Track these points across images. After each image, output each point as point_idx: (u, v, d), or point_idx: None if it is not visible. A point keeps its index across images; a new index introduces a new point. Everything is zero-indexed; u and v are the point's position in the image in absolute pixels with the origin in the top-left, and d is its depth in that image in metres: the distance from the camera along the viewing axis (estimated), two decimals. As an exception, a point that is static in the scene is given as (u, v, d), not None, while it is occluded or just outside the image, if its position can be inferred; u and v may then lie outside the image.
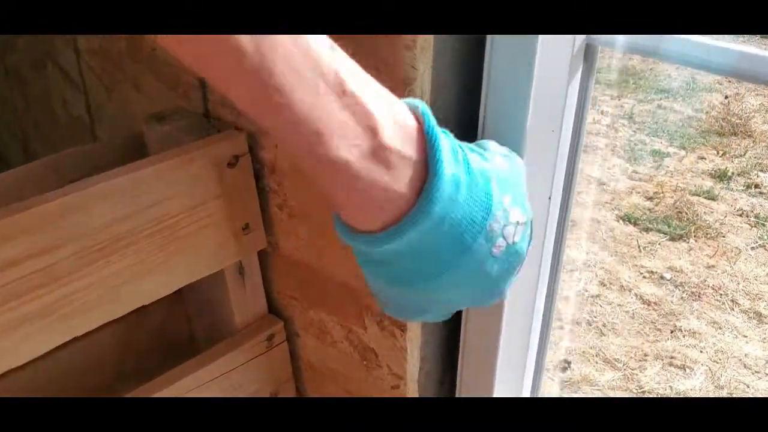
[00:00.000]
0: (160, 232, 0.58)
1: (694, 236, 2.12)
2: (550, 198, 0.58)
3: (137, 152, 0.68)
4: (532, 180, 0.56)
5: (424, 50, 0.49)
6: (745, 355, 1.76)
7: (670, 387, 1.71)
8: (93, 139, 0.85)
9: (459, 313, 0.65)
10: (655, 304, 1.94)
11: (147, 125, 0.67)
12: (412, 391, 0.65)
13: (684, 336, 1.84)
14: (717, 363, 1.75)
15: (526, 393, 0.71)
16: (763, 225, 2.17)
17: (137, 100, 0.78)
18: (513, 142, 0.55)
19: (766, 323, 1.85)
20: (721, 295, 1.93)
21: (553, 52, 0.53)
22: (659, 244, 2.11)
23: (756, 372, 1.72)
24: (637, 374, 1.74)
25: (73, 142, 0.91)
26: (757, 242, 2.10)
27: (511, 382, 0.69)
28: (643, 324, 1.89)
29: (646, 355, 1.78)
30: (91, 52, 0.82)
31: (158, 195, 0.57)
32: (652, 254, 2.08)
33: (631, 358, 1.80)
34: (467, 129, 0.57)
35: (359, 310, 0.65)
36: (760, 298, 1.91)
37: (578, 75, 0.55)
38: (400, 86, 0.51)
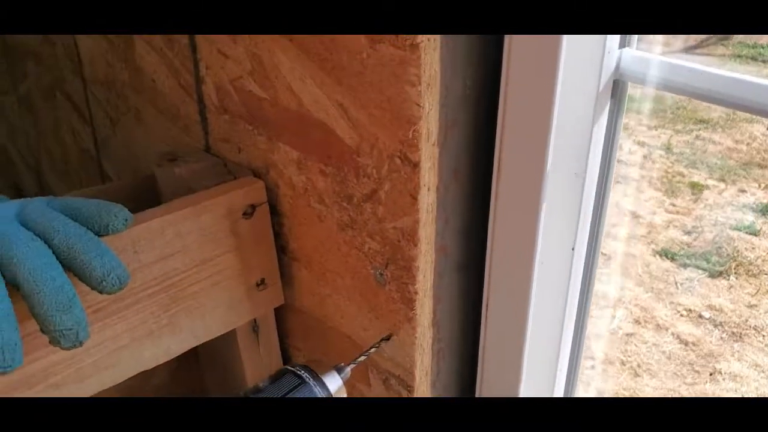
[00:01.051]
0: (165, 291, 0.54)
1: (735, 273, 2.02)
2: (573, 249, 0.52)
3: (150, 196, 0.64)
4: (552, 229, 0.50)
5: (429, 87, 0.44)
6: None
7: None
8: (101, 173, 0.82)
9: (474, 359, 0.59)
10: (693, 344, 1.84)
11: (159, 167, 0.62)
12: (420, 455, 0.59)
13: (724, 379, 1.74)
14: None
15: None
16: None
17: (140, 134, 0.74)
18: (531, 186, 0.49)
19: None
20: (763, 336, 1.83)
21: (577, 88, 0.47)
22: (698, 280, 2.01)
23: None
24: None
25: (84, 175, 0.88)
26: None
27: None
28: (681, 365, 1.80)
29: (683, 399, 1.69)
30: (97, 82, 0.79)
31: (163, 250, 0.53)
32: (690, 291, 1.99)
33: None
34: (482, 172, 0.52)
35: (363, 366, 0.59)
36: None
37: (605, 113, 0.50)
38: (405, 125, 0.46)
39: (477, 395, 0.61)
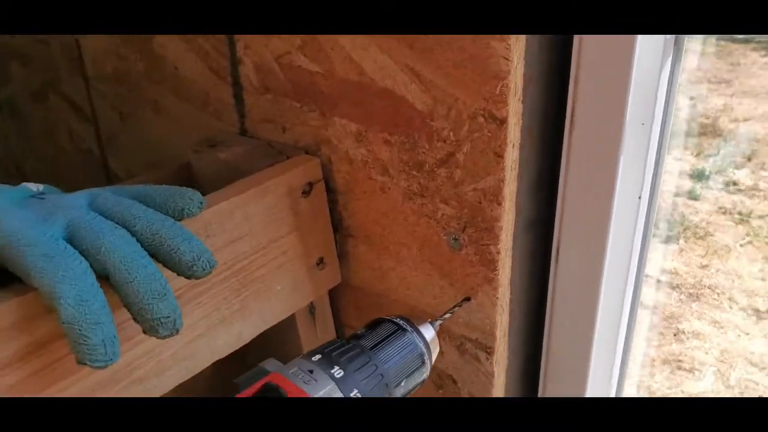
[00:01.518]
0: (236, 275, 0.52)
1: (684, 237, 2.12)
2: (640, 197, 0.54)
3: (184, 185, 0.61)
4: (624, 180, 0.52)
5: (518, 40, 0.45)
6: (751, 352, 1.75)
7: (682, 391, 1.68)
8: (106, 173, 0.78)
9: (540, 326, 0.60)
10: (655, 307, 1.92)
11: (197, 154, 0.60)
12: (496, 417, 0.60)
13: (688, 338, 1.83)
14: (724, 363, 1.74)
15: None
16: (748, 222, 2.18)
17: (159, 126, 0.71)
18: (608, 136, 0.50)
19: (765, 319, 1.85)
20: (718, 294, 1.92)
21: (648, 38, 0.49)
22: (651, 247, 2.09)
23: (763, 369, 1.71)
24: (647, 380, 1.71)
25: (83, 177, 0.83)
26: (744, 239, 2.11)
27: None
28: (647, 329, 1.87)
29: (653, 360, 1.75)
30: (102, 78, 0.75)
31: (232, 233, 0.51)
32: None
33: (638, 364, 1.78)
34: (552, 127, 0.53)
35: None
36: (756, 294, 1.91)
37: (668, 64, 0.51)
38: (490, 81, 0.46)
39: (544, 352, 0.62)
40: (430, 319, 0.50)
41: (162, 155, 0.72)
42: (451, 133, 0.51)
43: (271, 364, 0.42)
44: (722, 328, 1.82)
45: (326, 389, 0.40)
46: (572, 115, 0.51)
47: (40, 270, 0.39)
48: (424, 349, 0.47)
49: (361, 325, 0.64)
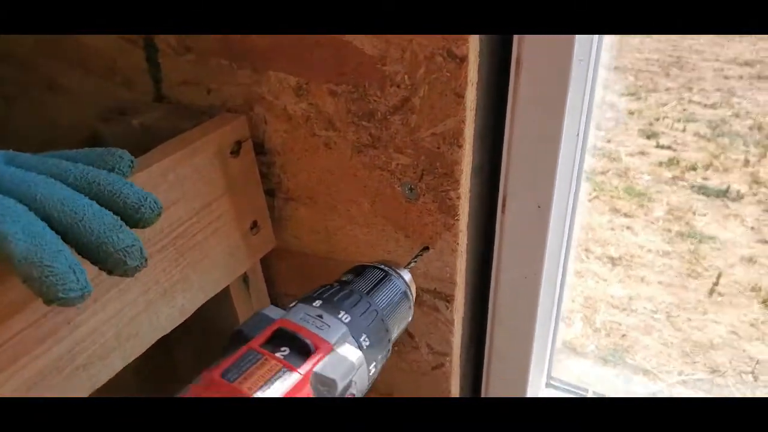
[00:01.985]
0: (172, 244, 0.48)
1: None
2: (578, 134, 0.56)
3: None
4: (570, 120, 0.53)
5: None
6: (611, 296, 1.90)
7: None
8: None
9: (488, 272, 0.61)
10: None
11: (106, 122, 0.54)
12: (455, 366, 0.60)
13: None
14: (589, 308, 1.87)
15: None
16: (591, 178, 2.36)
17: (55, 105, 0.64)
18: (557, 79, 0.51)
19: (618, 265, 2.02)
20: (575, 246, 2.07)
21: None
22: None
23: (623, 310, 1.87)
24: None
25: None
26: (591, 194, 2.28)
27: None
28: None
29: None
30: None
31: (166, 198, 0.47)
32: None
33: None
34: (502, 63, 0.53)
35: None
36: (608, 244, 2.08)
37: None
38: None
39: (491, 298, 0.63)
40: (402, 266, 0.49)
41: (62, 134, 0.64)
42: (406, 77, 0.49)
43: (273, 311, 0.39)
44: (582, 276, 1.96)
45: (341, 333, 0.39)
46: (519, 53, 0.52)
47: None
48: (409, 292, 0.46)
49: (303, 293, 0.61)
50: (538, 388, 0.74)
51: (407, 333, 0.60)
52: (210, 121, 0.54)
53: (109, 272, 0.36)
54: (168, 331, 0.49)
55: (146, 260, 0.37)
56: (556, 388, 0.76)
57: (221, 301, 0.57)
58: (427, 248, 0.55)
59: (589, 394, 0.75)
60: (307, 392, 0.35)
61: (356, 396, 0.38)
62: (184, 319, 0.51)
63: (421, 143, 0.51)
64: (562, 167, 0.55)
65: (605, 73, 0.60)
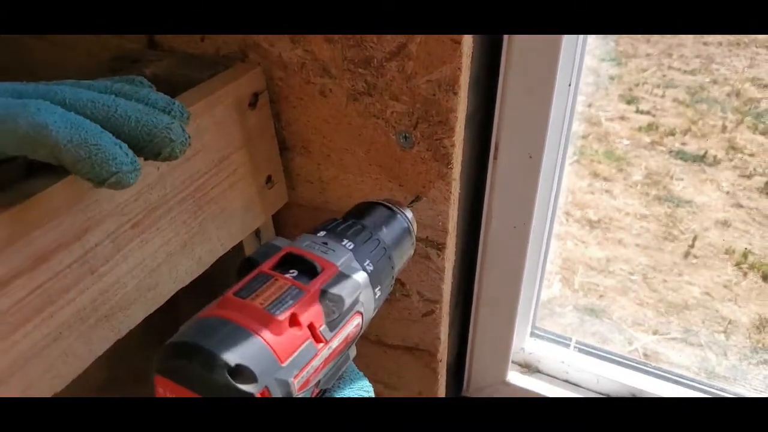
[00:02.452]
0: (192, 196, 0.48)
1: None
2: (570, 84, 0.57)
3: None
4: (562, 66, 0.54)
5: None
6: (589, 258, 1.94)
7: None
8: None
9: (478, 219, 0.62)
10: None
11: (117, 72, 0.53)
12: (445, 314, 0.61)
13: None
14: (568, 270, 1.90)
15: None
16: (573, 143, 2.38)
17: (42, 50, 0.63)
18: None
19: (597, 228, 2.05)
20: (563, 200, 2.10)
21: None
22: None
23: (601, 271, 1.90)
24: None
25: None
26: (572, 158, 2.30)
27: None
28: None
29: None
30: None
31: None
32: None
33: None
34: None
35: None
36: (587, 207, 2.10)
37: None
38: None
39: (481, 245, 0.64)
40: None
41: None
42: (403, 24, 0.49)
43: (279, 241, 0.40)
44: (562, 239, 1.99)
45: (345, 257, 0.40)
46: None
47: (8, 116, 0.33)
48: (410, 226, 0.47)
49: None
50: (523, 336, 0.76)
51: (399, 281, 0.61)
52: (226, 72, 0.53)
53: (156, 155, 0.35)
54: (186, 283, 0.49)
55: (189, 138, 0.36)
56: (540, 337, 0.78)
57: (233, 255, 0.57)
58: (419, 197, 0.55)
59: (572, 344, 0.78)
60: (317, 308, 0.36)
61: (363, 315, 0.40)
62: (202, 271, 0.51)
63: (416, 90, 0.51)
64: (554, 118, 0.56)
65: (587, 39, 0.61)
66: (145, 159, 0.36)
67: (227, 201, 0.52)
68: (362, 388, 0.44)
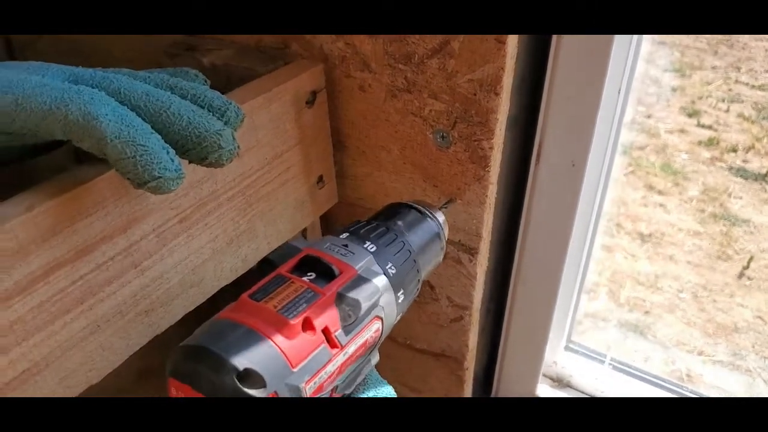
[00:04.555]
0: (242, 193, 0.47)
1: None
2: (619, 90, 0.54)
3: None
4: (612, 69, 0.51)
5: None
6: (638, 272, 1.88)
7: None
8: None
9: (516, 228, 0.60)
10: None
11: (173, 59, 0.53)
12: (474, 320, 0.60)
13: (580, 262, 1.93)
14: (615, 283, 1.86)
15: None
16: (629, 153, 2.32)
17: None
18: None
19: (648, 242, 1.99)
20: (607, 220, 2.04)
21: None
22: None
23: (649, 287, 1.85)
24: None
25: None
26: (627, 169, 2.24)
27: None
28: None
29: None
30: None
31: (240, 145, 0.46)
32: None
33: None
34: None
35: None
36: (639, 219, 2.05)
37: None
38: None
39: (517, 254, 0.62)
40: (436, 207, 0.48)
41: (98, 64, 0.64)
42: (447, 20, 0.48)
43: (300, 242, 0.39)
44: (611, 251, 1.94)
45: (365, 260, 0.39)
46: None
47: (62, 101, 0.32)
48: (441, 230, 0.46)
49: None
50: (556, 349, 0.73)
51: (428, 284, 0.60)
52: (286, 67, 0.52)
53: (202, 160, 0.35)
54: (230, 281, 0.49)
55: (239, 148, 0.36)
56: (575, 351, 0.75)
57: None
58: (453, 200, 0.54)
59: (607, 361, 0.75)
60: (333, 312, 0.35)
61: (384, 320, 0.38)
62: (247, 269, 0.50)
63: (457, 89, 0.50)
64: (600, 124, 0.54)
65: (649, 47, 0.58)
66: (190, 162, 0.36)
67: (277, 199, 0.51)
68: (386, 396, 0.43)
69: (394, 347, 0.67)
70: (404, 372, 0.68)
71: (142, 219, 0.40)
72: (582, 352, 0.75)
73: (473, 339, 0.62)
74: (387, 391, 0.43)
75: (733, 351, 1.64)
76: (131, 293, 0.40)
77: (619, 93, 0.55)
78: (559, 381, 0.75)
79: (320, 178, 0.55)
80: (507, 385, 0.73)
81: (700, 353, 1.61)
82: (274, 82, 0.48)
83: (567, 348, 0.75)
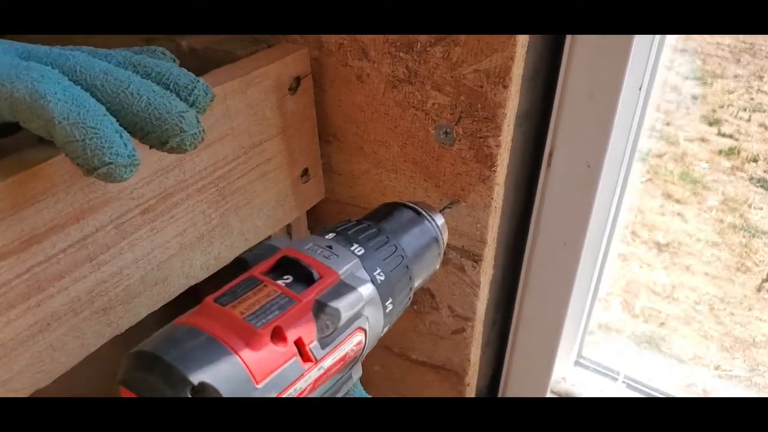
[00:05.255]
0: (214, 184, 0.43)
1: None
2: (640, 88, 0.50)
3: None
4: (631, 65, 0.47)
5: None
6: (653, 283, 1.83)
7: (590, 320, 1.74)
8: None
9: (524, 234, 0.55)
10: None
11: (150, 42, 0.49)
12: (477, 332, 0.55)
13: (594, 271, 1.88)
14: (629, 293, 1.80)
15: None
16: (647, 161, 2.26)
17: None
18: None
19: (665, 251, 1.93)
20: (622, 228, 1.99)
21: None
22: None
23: (665, 297, 1.79)
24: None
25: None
26: (644, 176, 2.19)
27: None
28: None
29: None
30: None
31: (212, 132, 0.42)
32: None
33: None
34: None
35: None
36: (656, 228, 1.99)
37: None
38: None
39: (525, 263, 0.58)
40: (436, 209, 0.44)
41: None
42: (452, 4, 0.44)
43: (279, 242, 0.35)
44: (627, 260, 1.89)
45: (350, 265, 0.34)
46: None
47: (8, 78, 0.29)
48: (439, 235, 0.41)
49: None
50: (566, 364, 0.69)
51: (428, 292, 0.56)
52: (268, 50, 0.48)
53: (163, 144, 0.31)
54: (201, 279, 0.45)
55: (203, 132, 0.32)
56: (585, 367, 0.70)
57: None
58: (455, 202, 0.50)
59: (620, 378, 0.70)
60: (309, 321, 0.31)
61: (368, 332, 0.34)
62: (220, 267, 0.46)
63: (462, 80, 0.46)
64: (618, 124, 0.49)
65: (670, 54, 0.54)
66: (151, 147, 0.32)
67: (255, 192, 0.47)
68: None
69: (389, 357, 0.63)
70: (399, 384, 0.64)
71: (98, 208, 0.36)
72: (593, 368, 0.71)
73: (476, 352, 0.58)
74: None
75: (750, 366, 1.58)
76: (86, 289, 0.37)
77: (640, 90, 0.51)
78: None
79: (305, 171, 0.51)
80: (512, 402, 0.69)
81: (717, 368, 1.55)
82: (253, 65, 0.44)
83: (577, 363, 0.71)
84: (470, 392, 0.60)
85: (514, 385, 0.67)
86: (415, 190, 0.52)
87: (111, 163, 0.28)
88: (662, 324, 1.71)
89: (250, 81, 0.44)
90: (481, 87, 0.45)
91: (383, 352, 0.61)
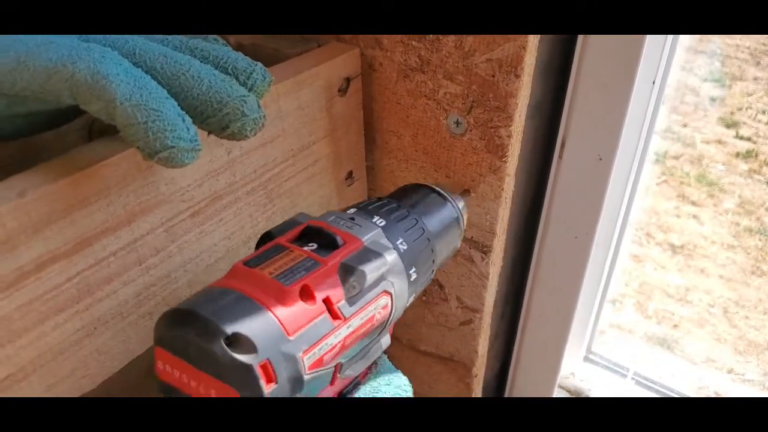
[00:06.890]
0: (263, 187, 0.43)
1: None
2: (654, 82, 0.50)
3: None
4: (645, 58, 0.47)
5: None
6: (667, 285, 1.82)
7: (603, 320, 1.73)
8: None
9: (535, 225, 0.55)
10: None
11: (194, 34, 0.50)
12: (486, 324, 0.55)
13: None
14: (643, 294, 1.79)
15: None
16: (663, 162, 2.25)
17: None
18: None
19: (679, 253, 1.92)
20: (637, 229, 1.98)
21: None
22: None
23: (679, 300, 1.78)
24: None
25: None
26: (660, 178, 2.17)
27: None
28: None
29: (575, 292, 1.80)
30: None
31: (263, 134, 0.42)
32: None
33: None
34: None
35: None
36: (671, 230, 1.98)
37: None
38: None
39: (535, 255, 0.58)
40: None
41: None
42: (465, -7, 0.44)
43: (302, 217, 0.36)
44: (641, 261, 1.88)
45: (372, 233, 0.35)
46: None
47: (69, 58, 0.29)
48: (460, 215, 0.42)
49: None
50: (575, 360, 0.68)
51: (437, 283, 0.56)
52: (319, 50, 0.48)
53: (223, 129, 0.31)
54: None
55: (264, 117, 0.32)
56: (595, 363, 0.70)
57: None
58: (466, 192, 0.50)
59: (630, 375, 0.70)
60: (335, 282, 0.32)
61: (394, 298, 0.35)
62: None
63: (474, 70, 0.46)
64: (631, 117, 0.49)
65: (684, 55, 0.53)
66: (209, 132, 0.32)
67: (301, 195, 0.47)
68: (400, 387, 0.39)
69: (397, 348, 0.63)
70: (407, 374, 0.64)
71: (149, 211, 0.36)
72: (603, 364, 0.70)
73: (483, 344, 0.58)
74: (399, 382, 0.39)
75: (764, 370, 1.57)
76: (134, 293, 0.37)
77: (653, 84, 0.51)
78: (576, 394, 0.70)
79: (350, 174, 0.51)
80: (519, 396, 0.69)
81: (729, 371, 1.54)
82: (304, 66, 0.44)
83: (586, 359, 0.71)
84: (478, 384, 0.60)
85: (522, 379, 0.67)
86: (426, 180, 0.52)
87: (173, 147, 0.28)
88: (675, 326, 1.70)
89: (302, 81, 0.43)
90: (493, 76, 0.45)
91: (391, 343, 0.61)
